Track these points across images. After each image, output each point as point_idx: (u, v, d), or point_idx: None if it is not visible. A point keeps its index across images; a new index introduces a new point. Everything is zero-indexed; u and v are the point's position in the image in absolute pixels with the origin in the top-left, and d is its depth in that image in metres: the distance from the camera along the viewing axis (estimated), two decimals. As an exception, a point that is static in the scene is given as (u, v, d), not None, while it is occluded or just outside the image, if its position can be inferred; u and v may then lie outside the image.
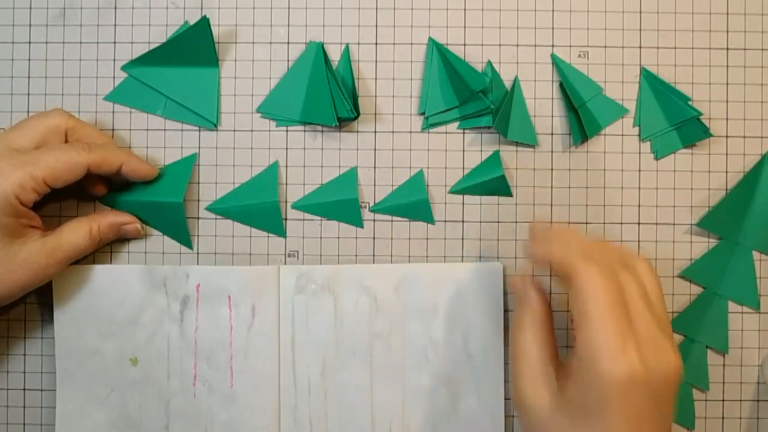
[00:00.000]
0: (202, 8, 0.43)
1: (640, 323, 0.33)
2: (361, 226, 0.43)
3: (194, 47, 0.42)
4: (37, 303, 0.43)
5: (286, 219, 0.43)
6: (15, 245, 0.37)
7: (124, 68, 0.43)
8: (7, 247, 0.37)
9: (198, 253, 0.43)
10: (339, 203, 0.43)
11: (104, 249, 0.43)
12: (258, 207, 0.42)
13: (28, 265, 0.38)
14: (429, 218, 0.43)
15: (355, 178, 0.43)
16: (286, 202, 0.43)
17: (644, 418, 0.32)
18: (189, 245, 0.43)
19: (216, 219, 0.43)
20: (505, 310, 0.42)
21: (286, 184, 0.43)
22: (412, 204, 0.43)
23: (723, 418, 0.43)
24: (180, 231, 0.42)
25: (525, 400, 0.35)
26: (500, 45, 0.43)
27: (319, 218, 0.43)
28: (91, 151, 0.38)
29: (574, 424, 0.33)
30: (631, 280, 0.34)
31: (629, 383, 0.31)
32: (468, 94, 0.42)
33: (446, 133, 0.43)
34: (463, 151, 0.43)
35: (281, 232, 0.43)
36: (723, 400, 0.43)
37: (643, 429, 0.32)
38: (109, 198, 0.42)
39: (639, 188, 0.43)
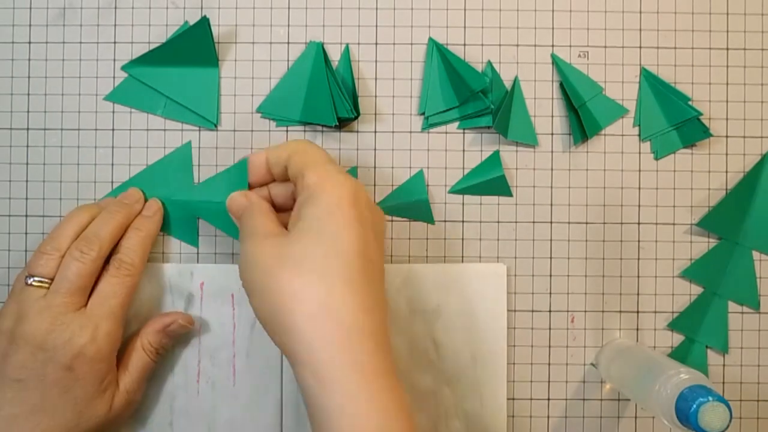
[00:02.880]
0: (202, 8, 0.43)
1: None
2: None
3: (194, 47, 0.42)
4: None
5: (286, 219, 0.43)
6: (90, 409, 0.37)
7: (124, 68, 0.43)
8: (79, 412, 0.37)
9: (198, 253, 0.43)
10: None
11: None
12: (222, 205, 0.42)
13: (106, 427, 0.38)
14: (429, 218, 0.43)
15: (355, 175, 0.43)
16: (286, 202, 0.43)
17: (371, 242, 0.34)
18: (195, 244, 0.43)
19: (215, 227, 0.43)
20: (509, 311, 0.42)
21: (286, 184, 0.43)
22: (412, 204, 0.43)
23: (723, 417, 0.43)
24: (188, 229, 0.43)
25: (256, 253, 0.34)
26: (500, 45, 0.43)
27: (319, 218, 0.43)
28: (127, 272, 0.39)
29: (311, 243, 0.32)
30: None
31: (356, 197, 0.34)
32: (468, 94, 0.42)
33: (446, 133, 0.43)
34: (463, 151, 0.43)
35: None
36: (723, 400, 0.43)
37: (371, 252, 0.33)
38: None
39: (639, 188, 0.43)
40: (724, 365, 0.43)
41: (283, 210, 0.39)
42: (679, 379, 0.34)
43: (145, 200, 0.42)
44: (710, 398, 0.32)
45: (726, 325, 0.43)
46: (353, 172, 0.43)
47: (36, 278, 0.37)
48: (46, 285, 0.37)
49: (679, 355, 0.43)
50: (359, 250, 0.33)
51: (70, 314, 0.37)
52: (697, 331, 0.43)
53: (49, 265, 0.37)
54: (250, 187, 0.40)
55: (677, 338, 0.43)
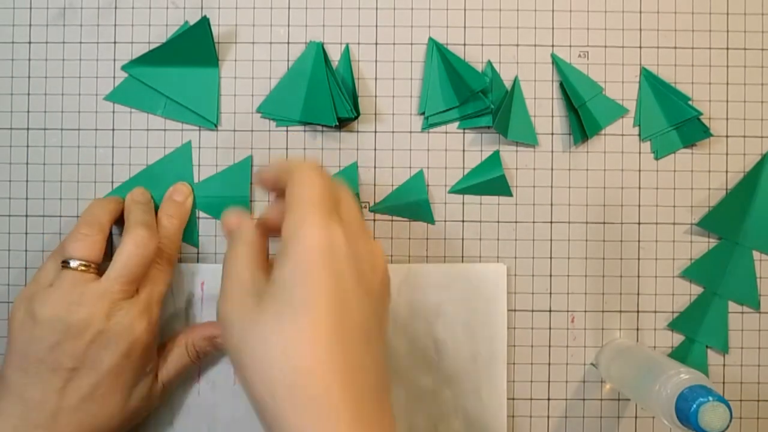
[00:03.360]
0: (202, 8, 0.43)
1: (348, 216, 0.32)
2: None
3: (194, 47, 0.42)
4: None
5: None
6: (134, 392, 0.38)
7: (124, 68, 0.43)
8: (126, 395, 0.37)
9: (198, 253, 0.43)
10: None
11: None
12: (228, 200, 0.42)
13: (140, 411, 0.39)
14: (429, 218, 0.43)
15: (355, 174, 0.43)
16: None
17: (352, 301, 0.30)
18: (196, 244, 0.43)
19: (217, 219, 0.43)
20: (509, 311, 0.42)
21: (286, 184, 0.43)
22: (412, 204, 0.43)
23: (723, 417, 0.43)
24: (189, 229, 0.43)
25: (229, 314, 0.31)
26: (500, 45, 0.43)
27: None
28: (149, 236, 0.38)
29: (278, 313, 0.29)
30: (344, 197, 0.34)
31: (331, 250, 0.29)
32: (468, 94, 0.42)
33: (446, 133, 0.43)
34: (463, 151, 0.43)
35: None
36: (723, 400, 0.43)
37: (353, 314, 0.29)
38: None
39: (639, 188, 0.43)
40: (724, 365, 0.43)
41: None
42: (679, 379, 0.34)
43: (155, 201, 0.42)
44: (710, 398, 0.32)
45: (726, 325, 0.43)
46: (353, 170, 0.43)
47: (79, 261, 0.36)
48: (93, 269, 0.37)
49: (679, 355, 0.43)
50: (336, 322, 0.29)
51: (128, 301, 0.37)
52: (697, 331, 0.43)
53: (94, 247, 0.37)
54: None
55: (677, 338, 0.43)
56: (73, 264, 0.36)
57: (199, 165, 0.43)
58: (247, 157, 0.43)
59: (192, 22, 0.42)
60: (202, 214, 0.43)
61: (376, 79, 0.43)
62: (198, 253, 0.43)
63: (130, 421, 0.38)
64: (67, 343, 0.35)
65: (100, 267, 0.37)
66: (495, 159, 0.43)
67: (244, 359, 0.29)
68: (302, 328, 0.28)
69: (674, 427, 0.33)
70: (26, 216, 0.43)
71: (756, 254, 0.43)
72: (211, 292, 0.42)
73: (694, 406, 0.32)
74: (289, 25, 0.43)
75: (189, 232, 0.43)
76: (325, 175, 0.33)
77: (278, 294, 0.29)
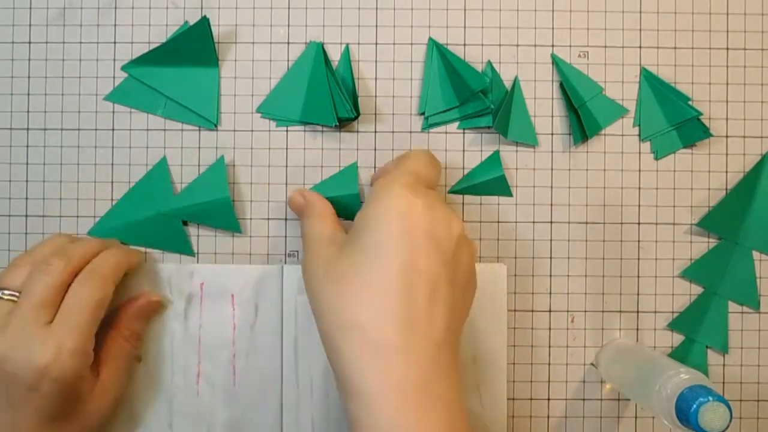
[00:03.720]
0: (202, 8, 0.43)
1: (433, 192, 0.35)
2: None
3: (194, 47, 0.42)
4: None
5: (286, 219, 0.43)
6: (68, 423, 0.36)
7: (124, 68, 0.43)
8: (61, 425, 0.35)
9: (198, 253, 0.43)
10: (340, 199, 0.43)
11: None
12: (209, 204, 0.42)
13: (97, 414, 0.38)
14: (429, 218, 0.43)
15: (355, 174, 0.43)
16: (286, 202, 0.43)
17: (420, 253, 0.32)
18: (191, 252, 0.43)
19: (200, 224, 0.43)
20: (509, 311, 0.42)
21: (287, 184, 0.43)
22: (412, 204, 0.43)
23: (723, 417, 0.43)
24: (179, 241, 0.42)
25: (314, 265, 0.34)
26: (500, 45, 0.43)
27: (319, 218, 0.43)
28: (105, 278, 0.37)
29: (352, 254, 0.32)
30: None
31: (408, 206, 0.33)
32: (468, 94, 0.42)
33: (446, 133, 0.43)
34: (463, 151, 0.43)
35: (236, 228, 0.42)
36: (723, 400, 0.43)
37: (419, 265, 0.32)
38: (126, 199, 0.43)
39: (639, 188, 0.43)
40: (724, 365, 0.43)
41: None
42: (679, 379, 0.34)
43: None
44: (710, 398, 0.32)
45: (726, 325, 0.43)
46: (354, 167, 0.43)
47: (7, 291, 0.35)
48: (17, 299, 0.35)
49: (679, 355, 0.43)
50: (402, 262, 0.31)
51: (34, 330, 0.34)
52: (697, 331, 0.43)
53: (22, 277, 0.36)
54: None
55: (677, 338, 0.43)
56: (0, 293, 0.36)
57: (198, 165, 0.43)
58: (220, 158, 0.42)
59: (192, 22, 0.42)
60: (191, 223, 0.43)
61: (376, 79, 0.43)
62: (198, 253, 0.43)
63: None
64: None
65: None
66: (495, 159, 0.43)
67: (320, 300, 0.33)
68: (372, 275, 0.31)
69: (674, 428, 0.33)
70: (26, 216, 0.43)
71: (756, 254, 0.43)
72: (211, 293, 0.42)
73: (695, 406, 0.32)
74: (289, 25, 0.43)
75: (180, 243, 0.42)
76: (434, 160, 0.38)
77: (353, 241, 0.33)
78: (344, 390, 0.31)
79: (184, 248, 0.43)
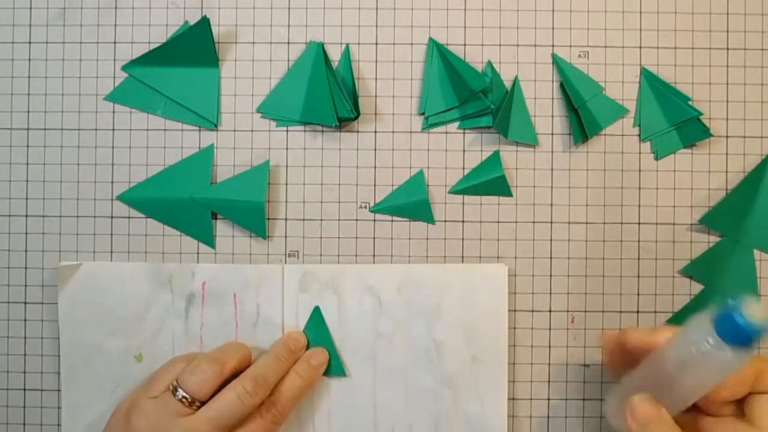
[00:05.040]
0: (202, 8, 0.43)
1: None
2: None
3: (194, 47, 0.42)
4: (38, 303, 0.43)
5: (286, 219, 0.43)
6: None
7: (124, 68, 0.43)
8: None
9: (198, 253, 0.43)
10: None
11: (105, 248, 0.43)
12: (243, 205, 0.42)
13: None
14: (429, 218, 0.43)
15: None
16: (286, 202, 0.43)
17: None
18: (212, 244, 0.43)
19: (217, 219, 0.43)
20: (509, 311, 0.42)
21: (286, 184, 0.43)
22: (412, 204, 0.43)
23: (723, 417, 0.43)
24: (205, 230, 0.43)
25: None
26: (500, 45, 0.43)
27: (319, 218, 0.43)
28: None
29: None
30: None
31: None
32: (468, 94, 0.42)
33: (446, 133, 0.43)
34: (463, 151, 0.43)
35: (262, 234, 0.43)
36: (723, 400, 0.43)
37: None
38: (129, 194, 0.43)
39: (639, 188, 0.43)
40: (724, 365, 0.43)
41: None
42: (701, 317, 0.31)
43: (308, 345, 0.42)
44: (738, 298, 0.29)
45: (726, 325, 0.43)
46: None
47: (184, 393, 0.37)
48: (195, 406, 0.37)
49: (680, 355, 0.43)
50: None
51: None
52: (697, 331, 0.43)
53: (206, 387, 0.37)
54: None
55: (677, 338, 0.43)
56: (179, 394, 0.37)
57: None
58: (265, 162, 0.43)
59: (192, 22, 0.42)
60: (219, 216, 0.43)
61: (376, 79, 0.43)
62: (198, 253, 0.43)
63: None
64: None
65: (204, 402, 0.37)
66: (495, 159, 0.43)
67: None
68: None
69: (723, 362, 0.30)
70: (26, 216, 0.43)
71: (757, 253, 0.43)
72: (212, 292, 0.42)
73: (733, 308, 0.29)
74: (289, 25, 0.43)
75: (205, 233, 0.43)
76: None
77: None
78: None
79: (207, 239, 0.43)
